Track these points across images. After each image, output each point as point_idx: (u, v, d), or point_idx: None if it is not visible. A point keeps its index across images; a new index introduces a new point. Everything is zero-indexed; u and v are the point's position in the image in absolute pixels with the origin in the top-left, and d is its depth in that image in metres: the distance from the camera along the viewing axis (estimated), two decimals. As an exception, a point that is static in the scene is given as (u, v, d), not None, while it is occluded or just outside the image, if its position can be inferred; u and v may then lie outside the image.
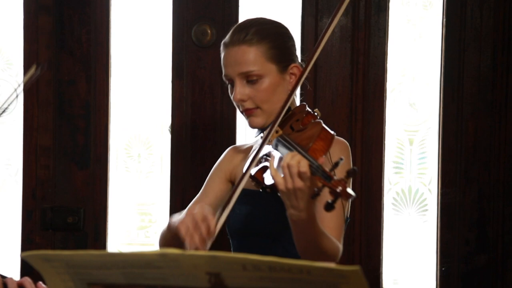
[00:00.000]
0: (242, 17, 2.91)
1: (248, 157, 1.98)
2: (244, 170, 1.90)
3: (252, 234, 2.08)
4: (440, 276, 2.95)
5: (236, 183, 1.92)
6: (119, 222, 3.07)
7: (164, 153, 3.05)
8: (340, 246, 1.93)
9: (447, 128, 2.94)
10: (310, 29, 2.93)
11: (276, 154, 1.85)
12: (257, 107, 2.05)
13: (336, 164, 1.62)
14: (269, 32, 2.08)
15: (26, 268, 2.87)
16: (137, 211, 3.09)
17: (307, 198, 1.69)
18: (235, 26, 2.12)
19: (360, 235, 2.93)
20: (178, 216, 1.93)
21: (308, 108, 2.01)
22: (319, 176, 1.62)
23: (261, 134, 2.08)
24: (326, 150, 1.80)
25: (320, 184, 1.62)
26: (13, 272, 2.96)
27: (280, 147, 1.84)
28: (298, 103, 2.21)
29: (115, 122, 3.03)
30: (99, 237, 2.98)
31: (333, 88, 2.94)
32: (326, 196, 1.61)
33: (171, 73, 2.96)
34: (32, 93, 2.96)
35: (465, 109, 2.94)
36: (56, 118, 2.97)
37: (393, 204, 3.04)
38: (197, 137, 2.93)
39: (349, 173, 1.60)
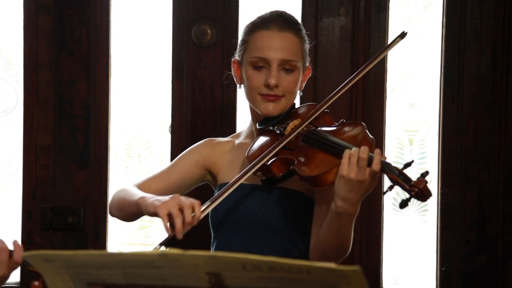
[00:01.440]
0: (242, 17, 2.91)
1: (257, 149, 2.02)
2: (256, 160, 1.96)
3: (243, 226, 2.08)
4: (440, 276, 2.95)
5: (243, 172, 1.96)
6: (119, 222, 3.06)
7: (164, 153, 3.05)
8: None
9: (447, 128, 2.94)
10: (310, 29, 2.93)
11: (306, 149, 1.92)
12: (283, 96, 2.09)
13: (408, 164, 1.72)
14: (303, 30, 2.18)
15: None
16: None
17: (364, 192, 1.77)
18: (273, 12, 2.16)
19: (360, 235, 2.93)
20: (151, 196, 1.98)
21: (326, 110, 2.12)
22: (390, 172, 1.70)
23: (266, 128, 2.10)
24: (371, 149, 1.86)
25: (401, 183, 1.70)
26: (13, 272, 2.95)
27: (314, 142, 1.91)
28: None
29: (115, 122, 3.03)
30: (99, 237, 2.97)
31: (333, 88, 2.93)
32: (408, 195, 1.69)
33: (171, 73, 2.96)
34: (32, 93, 2.96)
35: (465, 109, 2.94)
36: (56, 118, 2.97)
37: (393, 204, 3.04)
38: (197, 137, 2.92)
39: (423, 175, 1.70)
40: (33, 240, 2.96)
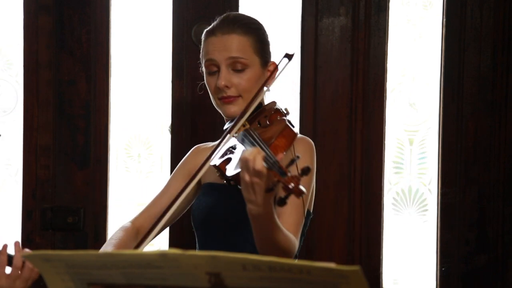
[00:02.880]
0: (242, 17, 2.91)
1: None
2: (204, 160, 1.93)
3: (215, 224, 2.10)
4: (440, 276, 2.95)
5: (195, 171, 1.93)
6: (119, 222, 3.06)
7: (164, 153, 3.05)
8: (297, 242, 1.94)
9: (447, 128, 2.94)
10: (310, 29, 2.93)
11: (240, 148, 1.88)
12: (239, 96, 2.08)
13: (292, 161, 1.63)
14: (255, 27, 2.16)
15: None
16: (137, 211, 3.08)
17: (263, 193, 1.69)
18: (221, 17, 2.18)
19: (360, 235, 2.93)
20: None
21: (277, 106, 2.07)
22: (275, 171, 1.62)
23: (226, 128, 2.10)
24: (287, 147, 1.84)
25: (275, 180, 1.62)
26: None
27: (245, 141, 1.87)
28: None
29: (115, 122, 3.03)
30: (99, 237, 2.97)
31: (333, 88, 2.94)
32: (280, 191, 1.62)
33: (171, 73, 2.96)
34: (32, 93, 2.96)
35: (465, 109, 2.94)
36: (56, 118, 2.97)
37: (393, 204, 3.04)
38: (197, 137, 2.92)
39: (304, 171, 1.59)
40: (33, 240, 2.96)
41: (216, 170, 1.91)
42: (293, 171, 1.62)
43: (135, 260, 1.20)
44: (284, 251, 1.86)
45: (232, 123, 1.99)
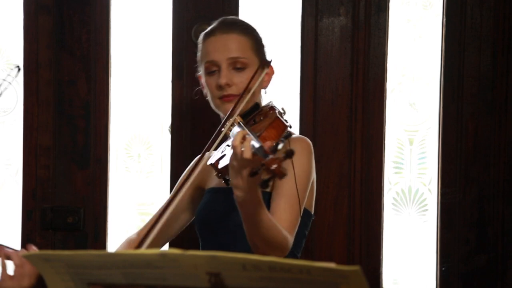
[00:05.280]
0: (242, 17, 2.91)
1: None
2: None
3: (217, 227, 2.10)
4: (440, 276, 2.95)
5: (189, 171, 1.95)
6: (119, 222, 3.06)
7: (164, 153, 3.05)
8: (290, 239, 1.93)
9: (447, 128, 2.94)
10: (310, 29, 2.93)
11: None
12: (239, 95, 2.08)
13: (276, 145, 1.64)
14: (253, 29, 2.19)
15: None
16: (137, 211, 3.09)
17: (248, 177, 1.70)
18: (219, 20, 2.19)
19: (360, 235, 2.93)
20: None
21: (273, 104, 2.08)
22: (260, 155, 1.63)
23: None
24: (277, 138, 1.85)
25: (259, 163, 1.63)
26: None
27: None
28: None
29: (115, 122, 3.03)
30: (99, 237, 2.98)
31: (333, 88, 2.94)
32: (264, 174, 1.62)
33: (171, 73, 2.96)
34: (32, 93, 2.96)
35: (465, 109, 2.94)
36: (56, 118, 2.97)
37: (393, 204, 3.03)
38: (197, 137, 2.92)
39: (287, 153, 1.60)
40: (33, 240, 2.96)
41: (213, 170, 1.91)
42: (276, 154, 1.62)
43: (135, 260, 1.20)
44: (275, 246, 1.86)
45: (225, 118, 2.01)
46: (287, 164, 1.65)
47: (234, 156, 1.70)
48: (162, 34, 3.01)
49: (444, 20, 2.94)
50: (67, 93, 2.97)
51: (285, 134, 1.90)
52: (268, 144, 1.65)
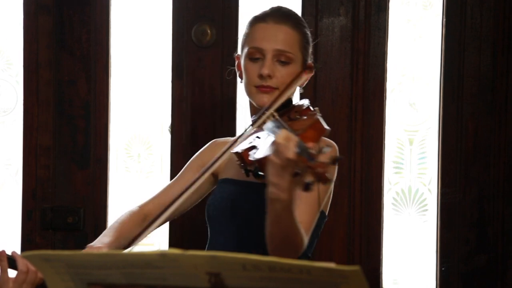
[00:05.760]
0: (242, 17, 2.91)
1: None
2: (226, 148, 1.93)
3: (230, 218, 2.09)
4: (440, 276, 2.95)
5: (212, 161, 1.94)
6: (119, 222, 3.06)
7: (164, 153, 3.05)
8: (306, 241, 1.92)
9: (447, 128, 2.94)
10: (310, 29, 2.93)
11: (266, 136, 1.86)
12: (276, 88, 2.07)
13: (321, 150, 1.62)
14: (305, 26, 2.16)
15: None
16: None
17: (290, 177, 1.67)
18: (274, 7, 2.15)
19: (360, 235, 2.93)
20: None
21: (309, 103, 2.05)
22: (305, 157, 1.61)
23: (253, 119, 2.09)
24: (316, 140, 1.81)
25: (303, 165, 1.61)
26: (13, 272, 2.95)
27: (274, 130, 1.85)
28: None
29: (115, 122, 3.03)
30: (99, 237, 2.98)
31: (333, 88, 2.94)
32: (307, 177, 1.61)
33: (171, 73, 2.96)
34: (32, 93, 2.96)
35: (465, 109, 2.94)
36: (56, 118, 2.97)
37: (393, 204, 3.04)
38: (197, 137, 2.92)
39: (334, 160, 1.59)
40: (33, 240, 2.96)
41: (237, 159, 1.89)
42: (323, 159, 1.61)
43: (135, 260, 1.20)
44: (293, 246, 1.85)
45: (261, 112, 1.99)
46: (322, 158, 1.64)
47: (276, 154, 1.66)
48: (162, 34, 3.01)
49: (444, 20, 2.94)
50: (67, 93, 2.97)
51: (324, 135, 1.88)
52: (313, 146, 1.63)
